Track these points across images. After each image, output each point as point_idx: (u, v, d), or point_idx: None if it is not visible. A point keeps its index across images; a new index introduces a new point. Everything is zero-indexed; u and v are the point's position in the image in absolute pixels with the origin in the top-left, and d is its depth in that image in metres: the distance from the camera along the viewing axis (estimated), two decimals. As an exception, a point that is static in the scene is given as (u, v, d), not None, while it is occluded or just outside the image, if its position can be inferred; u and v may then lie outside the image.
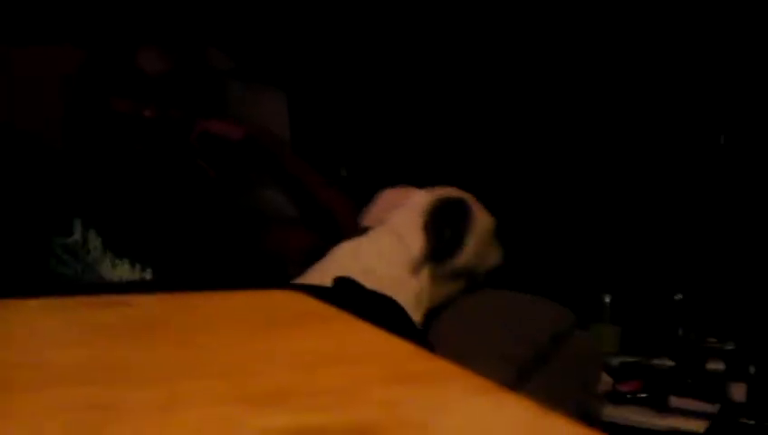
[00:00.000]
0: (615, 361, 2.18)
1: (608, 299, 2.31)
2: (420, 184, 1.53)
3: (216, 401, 0.46)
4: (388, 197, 1.51)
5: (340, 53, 2.33)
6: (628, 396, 2.03)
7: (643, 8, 2.38)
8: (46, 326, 0.62)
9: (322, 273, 1.38)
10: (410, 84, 2.39)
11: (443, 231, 1.42)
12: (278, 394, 0.47)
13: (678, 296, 2.33)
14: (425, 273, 1.40)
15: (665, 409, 1.98)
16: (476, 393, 0.47)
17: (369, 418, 0.44)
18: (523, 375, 1.39)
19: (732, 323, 2.29)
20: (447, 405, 0.46)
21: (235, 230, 1.62)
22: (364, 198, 1.60)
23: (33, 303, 0.66)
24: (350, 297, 1.25)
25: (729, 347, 2.19)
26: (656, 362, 2.18)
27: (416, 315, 1.37)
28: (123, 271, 1.52)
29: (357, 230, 1.53)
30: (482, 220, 1.47)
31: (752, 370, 2.03)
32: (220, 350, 0.56)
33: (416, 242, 1.41)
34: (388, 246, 1.41)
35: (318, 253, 1.53)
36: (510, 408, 0.46)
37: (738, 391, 2.00)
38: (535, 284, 1.72)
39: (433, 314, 1.44)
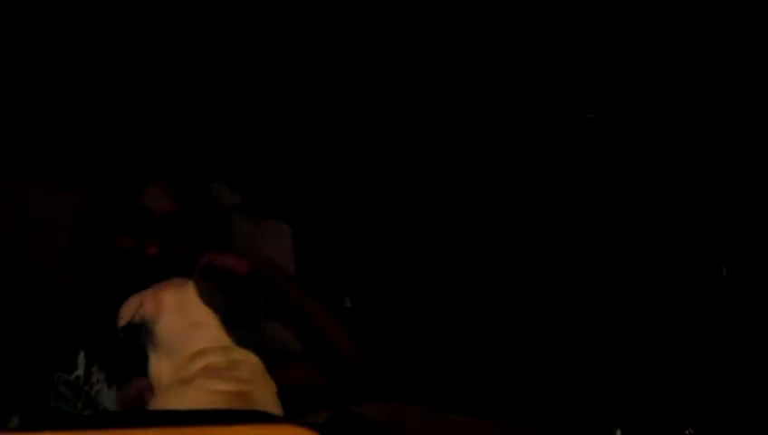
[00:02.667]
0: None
1: (619, 433, 2.28)
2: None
3: None
4: None
5: (345, 187, 2.36)
6: None
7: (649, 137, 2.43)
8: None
9: None
10: (414, 213, 2.41)
11: None
12: None
13: (690, 431, 2.30)
14: None
15: None
16: None
17: None
18: None
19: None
20: None
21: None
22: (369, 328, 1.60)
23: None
24: (350, 430, 1.25)
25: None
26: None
27: None
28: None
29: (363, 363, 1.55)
30: None
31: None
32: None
33: None
34: None
35: (320, 387, 1.53)
36: None
37: None
38: (545, 418, 1.71)
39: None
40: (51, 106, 2.16)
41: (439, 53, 2.40)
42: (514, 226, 2.41)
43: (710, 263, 2.37)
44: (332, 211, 2.35)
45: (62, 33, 2.16)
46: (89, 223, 1.64)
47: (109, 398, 1.51)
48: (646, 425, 2.34)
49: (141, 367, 1.33)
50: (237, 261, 1.66)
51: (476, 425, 1.65)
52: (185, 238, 1.61)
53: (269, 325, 1.75)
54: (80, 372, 1.52)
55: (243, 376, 1.28)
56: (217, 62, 2.29)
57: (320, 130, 2.37)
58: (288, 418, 1.34)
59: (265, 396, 1.29)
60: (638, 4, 2.37)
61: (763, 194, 2.35)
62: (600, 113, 2.42)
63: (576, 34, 2.40)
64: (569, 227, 2.41)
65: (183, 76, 2.26)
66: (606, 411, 2.34)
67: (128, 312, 1.31)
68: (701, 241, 2.39)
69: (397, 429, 1.45)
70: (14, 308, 1.57)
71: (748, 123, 2.38)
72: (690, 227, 2.40)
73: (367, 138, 2.38)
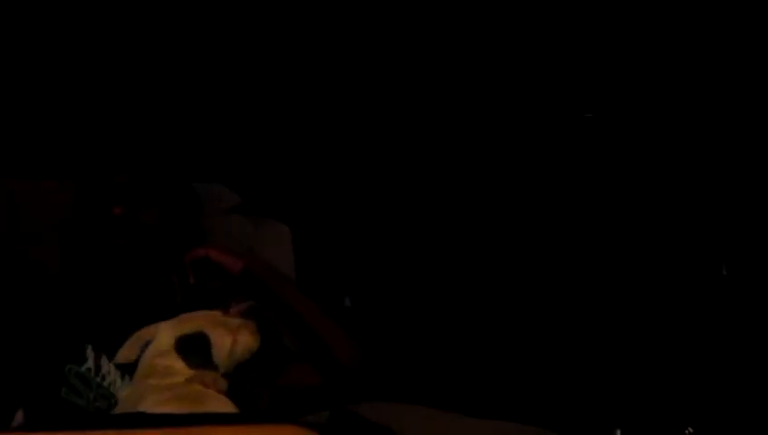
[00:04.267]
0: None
1: (619, 433, 2.28)
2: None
3: None
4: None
5: (345, 188, 2.37)
6: None
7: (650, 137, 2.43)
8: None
9: None
10: (413, 213, 2.41)
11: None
12: None
13: (690, 431, 2.30)
14: None
15: None
16: None
17: None
18: None
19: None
20: None
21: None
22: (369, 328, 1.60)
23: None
24: (349, 430, 1.25)
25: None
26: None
27: None
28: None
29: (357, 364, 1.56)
30: (223, 345, 1.46)
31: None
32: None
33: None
34: None
35: (319, 388, 1.53)
36: None
37: None
38: (545, 418, 1.71)
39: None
40: (48, 106, 2.16)
41: (439, 54, 2.40)
42: (513, 225, 2.41)
43: (710, 263, 2.37)
44: (332, 212, 2.35)
45: (61, 34, 2.16)
46: (75, 210, 1.70)
47: (123, 389, 1.52)
48: (646, 425, 2.34)
49: None
50: (233, 259, 1.68)
51: (476, 424, 1.65)
52: (148, 202, 1.69)
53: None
54: (89, 364, 1.53)
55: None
56: (217, 64, 2.30)
57: (319, 131, 2.37)
58: (288, 418, 1.34)
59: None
60: (637, 4, 2.38)
61: (763, 194, 2.36)
62: (600, 113, 2.42)
63: (576, 34, 2.40)
64: (568, 227, 2.41)
65: (183, 77, 2.27)
66: (606, 411, 2.34)
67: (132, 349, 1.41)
68: (701, 241, 2.39)
69: (396, 429, 1.45)
70: (17, 305, 1.58)
71: (748, 123, 2.38)
72: (690, 227, 2.40)
73: (366, 138, 2.39)
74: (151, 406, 1.33)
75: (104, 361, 1.54)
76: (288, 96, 2.34)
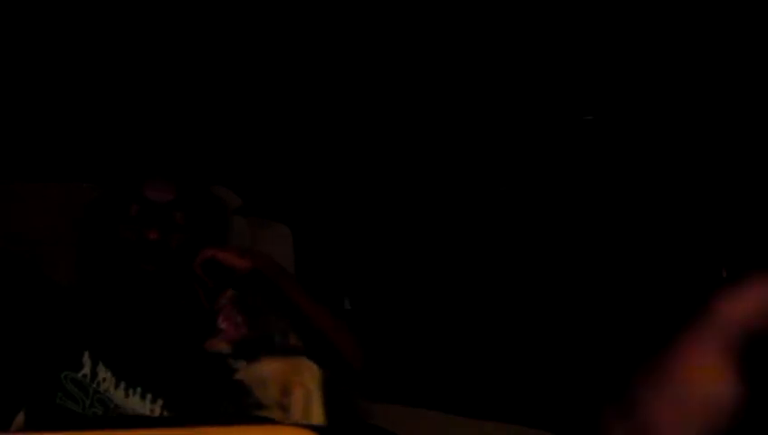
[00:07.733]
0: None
1: None
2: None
3: None
4: None
5: (345, 189, 2.37)
6: None
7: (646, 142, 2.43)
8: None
9: None
10: (413, 215, 2.42)
11: None
12: None
13: None
14: None
15: None
16: None
17: None
18: None
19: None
20: None
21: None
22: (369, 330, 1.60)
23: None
24: (350, 431, 1.25)
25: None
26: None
27: None
28: (135, 402, 1.52)
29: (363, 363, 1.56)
30: None
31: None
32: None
33: None
34: None
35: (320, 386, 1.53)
36: None
37: None
38: (545, 418, 1.71)
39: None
40: (50, 107, 2.17)
41: (439, 55, 2.40)
42: (515, 227, 2.41)
43: (709, 264, 2.37)
44: (332, 214, 2.35)
45: (62, 35, 2.17)
46: (94, 217, 1.69)
47: (117, 396, 1.52)
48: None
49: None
50: (240, 258, 1.67)
51: (475, 425, 1.66)
52: (183, 226, 1.67)
53: (270, 323, 1.75)
54: (86, 370, 1.53)
55: None
56: (218, 66, 2.30)
57: (319, 133, 2.37)
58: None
59: None
60: (637, 4, 2.38)
61: (763, 194, 2.36)
62: (600, 115, 2.42)
63: (576, 36, 2.41)
64: (569, 229, 2.41)
65: (185, 79, 2.27)
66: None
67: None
68: (700, 242, 2.39)
69: (396, 429, 1.46)
70: (16, 308, 1.58)
71: (748, 123, 2.38)
72: (689, 229, 2.40)
73: (367, 140, 2.39)
74: None
75: (101, 367, 1.54)
76: (288, 98, 2.35)
